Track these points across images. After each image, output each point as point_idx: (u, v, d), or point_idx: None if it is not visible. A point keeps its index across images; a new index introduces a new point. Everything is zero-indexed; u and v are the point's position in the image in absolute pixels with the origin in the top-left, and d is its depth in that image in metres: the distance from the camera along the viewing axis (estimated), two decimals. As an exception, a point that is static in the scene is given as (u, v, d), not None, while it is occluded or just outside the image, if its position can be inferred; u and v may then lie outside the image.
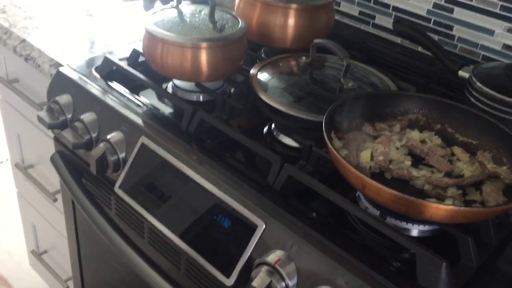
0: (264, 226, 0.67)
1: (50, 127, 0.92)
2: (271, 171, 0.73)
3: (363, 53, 1.07)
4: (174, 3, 0.94)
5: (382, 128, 0.76)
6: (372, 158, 0.70)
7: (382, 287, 0.58)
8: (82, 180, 0.94)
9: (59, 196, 1.17)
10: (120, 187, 0.83)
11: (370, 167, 0.69)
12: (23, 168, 1.30)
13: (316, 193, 0.69)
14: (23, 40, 1.08)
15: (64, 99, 0.93)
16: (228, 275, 0.68)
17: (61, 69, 0.96)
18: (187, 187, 0.76)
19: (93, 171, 0.85)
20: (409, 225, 0.66)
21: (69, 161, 0.96)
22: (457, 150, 0.73)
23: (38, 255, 1.45)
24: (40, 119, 0.93)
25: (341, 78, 0.85)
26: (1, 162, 2.25)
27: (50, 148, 1.08)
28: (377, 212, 0.67)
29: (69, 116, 0.92)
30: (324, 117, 0.70)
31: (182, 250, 0.75)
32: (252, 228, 0.68)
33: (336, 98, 0.82)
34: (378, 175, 0.68)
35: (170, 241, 0.77)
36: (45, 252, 1.45)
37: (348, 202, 0.65)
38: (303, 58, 0.94)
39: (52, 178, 1.21)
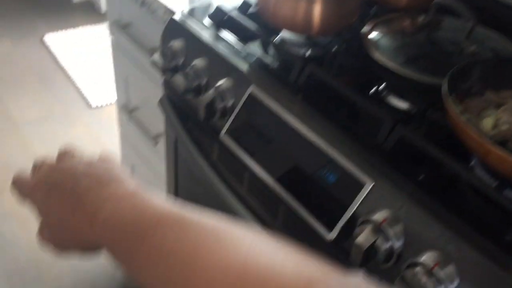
0: (372, 185, 0.66)
1: (163, 71, 0.96)
2: (381, 130, 0.71)
3: (487, 17, 0.99)
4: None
5: (506, 96, 0.71)
6: (494, 126, 0.66)
7: (494, 258, 0.56)
8: (187, 125, 0.97)
9: (159, 140, 1.23)
10: (225, 133, 0.85)
11: (492, 135, 0.65)
12: (128, 111, 1.37)
13: (425, 160, 0.67)
14: (139, -14, 1.12)
15: (176, 45, 0.95)
16: (329, 229, 0.68)
17: (175, 16, 0.99)
18: (293, 139, 0.76)
19: (201, 117, 0.87)
20: (530, 200, 0.62)
21: (176, 105, 1.00)
22: None
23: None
24: (153, 63, 0.97)
25: (461, 41, 0.81)
26: (104, 105, 2.38)
27: (156, 92, 1.12)
28: (494, 183, 0.64)
29: (180, 62, 0.95)
30: (445, 80, 0.67)
31: (282, 200, 0.76)
32: (359, 185, 0.67)
33: (455, 61, 0.78)
34: (500, 145, 0.64)
35: (271, 190, 0.78)
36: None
37: (465, 168, 0.63)
38: (420, 17, 0.89)
39: (155, 122, 1.27)
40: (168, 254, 0.35)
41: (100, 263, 1.72)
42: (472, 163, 0.68)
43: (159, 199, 0.40)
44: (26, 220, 1.83)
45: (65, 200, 0.43)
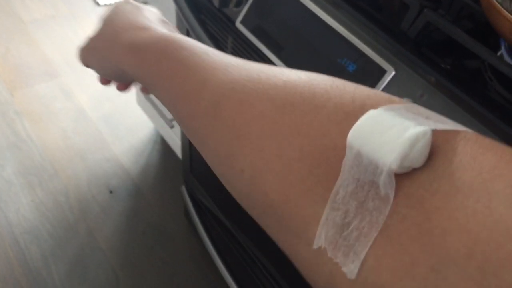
0: (393, 72, 0.64)
1: (174, -45, 0.90)
2: (407, 16, 0.67)
3: None
4: None
5: (543, -20, 0.66)
6: (528, 10, 0.62)
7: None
8: (200, 16, 0.94)
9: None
10: (241, 22, 0.82)
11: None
12: (137, 5, 1.32)
13: (451, 48, 0.64)
14: None
15: None
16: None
17: None
18: (313, 27, 0.73)
19: (216, 3, 0.84)
20: (559, 88, 0.60)
21: (188, -5, 0.96)
22: None
23: (146, 93, 1.53)
24: None
25: None
26: (112, 3, 2.31)
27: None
28: (522, 71, 0.61)
29: None
30: (480, -41, 0.62)
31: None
32: (380, 73, 0.65)
33: None
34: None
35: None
36: (152, 91, 1.53)
37: (493, 54, 0.60)
38: None
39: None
40: (178, 70, 0.36)
41: (115, 163, 1.76)
42: (501, 51, 0.65)
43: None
44: (39, 120, 1.85)
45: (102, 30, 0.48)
